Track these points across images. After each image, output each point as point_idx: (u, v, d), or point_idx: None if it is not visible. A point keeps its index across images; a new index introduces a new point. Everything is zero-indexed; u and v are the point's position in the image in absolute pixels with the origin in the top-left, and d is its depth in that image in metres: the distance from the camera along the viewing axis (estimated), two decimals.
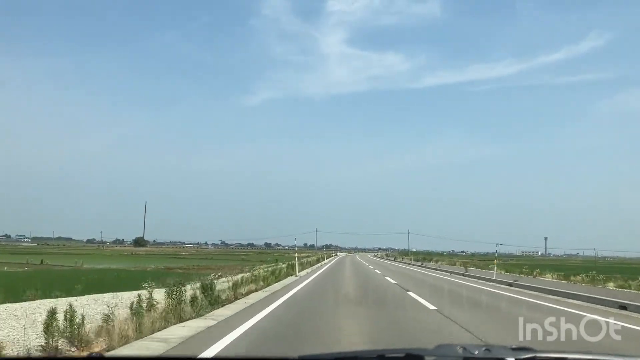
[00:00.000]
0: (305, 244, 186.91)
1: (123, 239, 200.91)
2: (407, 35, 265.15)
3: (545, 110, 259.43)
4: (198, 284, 10.76)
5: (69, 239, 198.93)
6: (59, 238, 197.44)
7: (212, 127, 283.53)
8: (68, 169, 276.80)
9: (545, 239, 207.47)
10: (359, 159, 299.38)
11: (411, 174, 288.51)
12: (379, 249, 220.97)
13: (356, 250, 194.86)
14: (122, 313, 7.82)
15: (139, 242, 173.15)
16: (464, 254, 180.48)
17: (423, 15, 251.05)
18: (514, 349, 1.98)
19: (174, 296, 9.01)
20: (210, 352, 5.93)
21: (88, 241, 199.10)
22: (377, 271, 31.78)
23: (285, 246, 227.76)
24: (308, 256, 53.69)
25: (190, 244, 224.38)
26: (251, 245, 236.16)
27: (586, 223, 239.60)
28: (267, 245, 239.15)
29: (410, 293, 15.22)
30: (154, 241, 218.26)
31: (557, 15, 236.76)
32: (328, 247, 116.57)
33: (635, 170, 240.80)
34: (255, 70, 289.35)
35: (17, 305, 11.33)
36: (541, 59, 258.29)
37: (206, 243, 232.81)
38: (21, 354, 6.45)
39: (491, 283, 21.28)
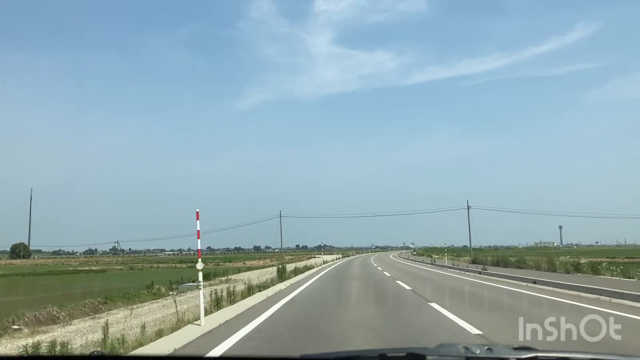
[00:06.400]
0: (298, 245, 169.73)
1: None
2: (396, 32, 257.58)
3: (542, 102, 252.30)
4: None
5: None
6: None
7: (202, 130, 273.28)
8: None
9: (560, 227, 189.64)
10: (353, 158, 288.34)
11: (409, 171, 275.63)
12: (376, 247, 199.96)
13: (352, 249, 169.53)
14: None
15: (16, 251, 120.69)
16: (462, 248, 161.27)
17: (410, 12, 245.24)
18: (515, 349, 1.93)
19: None
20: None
21: None
22: None
23: (276, 248, 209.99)
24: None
25: (171, 251, 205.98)
26: (238, 249, 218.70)
27: (599, 212, 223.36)
28: (256, 248, 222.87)
29: None
30: (129, 249, 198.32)
31: (543, 7, 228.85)
32: (322, 247, 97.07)
33: (633, 157, 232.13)
34: (245, 73, 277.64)
35: None
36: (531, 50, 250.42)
37: (189, 249, 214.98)
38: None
39: None
